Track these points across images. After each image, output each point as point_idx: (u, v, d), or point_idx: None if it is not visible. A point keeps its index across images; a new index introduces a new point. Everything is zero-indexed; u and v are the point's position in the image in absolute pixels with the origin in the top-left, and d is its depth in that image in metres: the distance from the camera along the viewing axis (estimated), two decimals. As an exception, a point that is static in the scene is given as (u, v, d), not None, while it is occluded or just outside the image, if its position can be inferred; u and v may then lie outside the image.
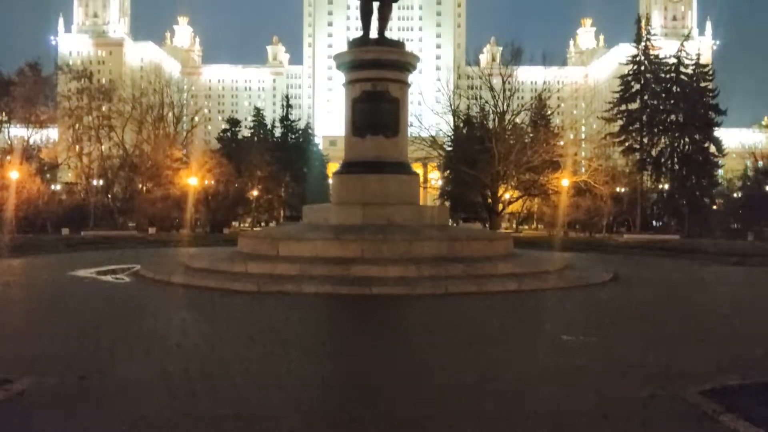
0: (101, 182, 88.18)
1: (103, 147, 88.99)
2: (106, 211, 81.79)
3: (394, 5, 25.40)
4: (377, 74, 23.58)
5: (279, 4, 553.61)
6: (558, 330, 12.56)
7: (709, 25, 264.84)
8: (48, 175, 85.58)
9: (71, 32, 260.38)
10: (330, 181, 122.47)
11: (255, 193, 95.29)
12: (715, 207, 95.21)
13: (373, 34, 24.64)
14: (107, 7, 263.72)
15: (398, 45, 25.85)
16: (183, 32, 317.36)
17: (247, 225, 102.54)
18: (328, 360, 10.02)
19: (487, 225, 77.58)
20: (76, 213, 75.76)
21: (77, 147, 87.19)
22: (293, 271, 18.74)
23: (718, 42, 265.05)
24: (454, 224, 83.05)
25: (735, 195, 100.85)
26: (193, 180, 76.97)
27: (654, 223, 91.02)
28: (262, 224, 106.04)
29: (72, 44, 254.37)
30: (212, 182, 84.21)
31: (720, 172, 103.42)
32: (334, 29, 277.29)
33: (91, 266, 24.13)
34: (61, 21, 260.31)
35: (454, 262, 19.60)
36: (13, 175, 64.34)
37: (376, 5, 24.31)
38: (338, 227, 21.79)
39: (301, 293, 16.84)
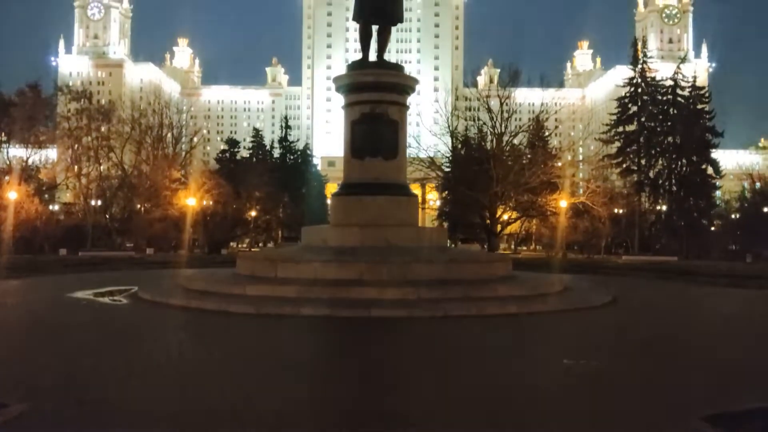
0: (99, 202, 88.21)
1: (101, 167, 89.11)
2: (103, 232, 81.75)
3: (393, 28, 25.55)
4: (376, 97, 23.63)
5: (278, 27, 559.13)
6: (559, 353, 12.50)
7: (705, 47, 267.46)
8: (46, 196, 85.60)
9: (72, 53, 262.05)
10: (328, 201, 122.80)
11: (253, 213, 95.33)
12: (713, 228, 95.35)
13: (372, 57, 24.73)
14: (108, 29, 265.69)
15: (397, 68, 25.97)
16: (183, 54, 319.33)
17: (245, 246, 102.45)
18: (326, 387, 9.94)
19: (485, 246, 77.53)
20: (74, 233, 75.68)
21: (76, 167, 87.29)
22: (291, 293, 18.66)
23: (713, 64, 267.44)
24: (453, 245, 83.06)
25: (733, 216, 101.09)
26: (191, 201, 77.03)
27: (654, 244, 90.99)
28: (260, 245, 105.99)
29: (72, 65, 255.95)
30: (210, 203, 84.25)
31: (718, 193, 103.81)
32: (333, 51, 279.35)
33: (89, 288, 24.02)
34: (61, 42, 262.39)
35: (453, 285, 19.54)
36: (12, 195, 64.35)
37: (375, 29, 24.46)
38: (337, 249, 21.74)
39: (299, 315, 16.75)
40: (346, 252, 21.19)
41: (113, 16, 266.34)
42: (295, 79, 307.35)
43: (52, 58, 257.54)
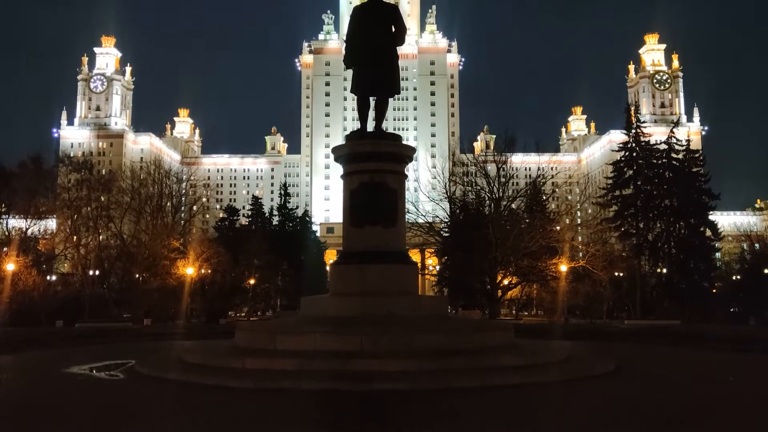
0: (97, 272, 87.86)
1: (100, 237, 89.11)
2: (101, 302, 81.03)
3: (390, 98, 25.94)
4: (375, 166, 23.83)
5: (278, 96, 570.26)
6: (564, 427, 12.19)
7: (696, 111, 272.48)
8: (44, 266, 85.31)
9: (74, 125, 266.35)
10: (327, 268, 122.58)
11: (252, 281, 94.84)
12: (714, 291, 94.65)
13: (371, 127, 25.12)
14: (110, 101, 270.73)
15: (395, 138, 26.23)
16: (183, 124, 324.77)
17: (243, 315, 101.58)
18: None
19: (486, 311, 76.85)
20: (71, 304, 74.99)
21: (75, 237, 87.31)
22: (291, 366, 18.34)
23: (706, 128, 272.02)
24: (454, 311, 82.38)
25: (734, 278, 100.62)
26: (190, 270, 76.75)
27: (656, 307, 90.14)
28: (259, 314, 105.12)
29: (74, 136, 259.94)
30: (209, 271, 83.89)
31: (717, 255, 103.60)
32: (331, 120, 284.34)
33: (85, 362, 23.63)
34: (64, 114, 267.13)
35: (455, 355, 19.26)
36: (10, 267, 64.10)
37: (372, 100, 24.91)
38: (337, 319, 21.53)
39: (299, 390, 16.43)
40: (345, 322, 20.98)
41: (115, 89, 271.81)
42: (294, 147, 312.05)
43: (55, 130, 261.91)
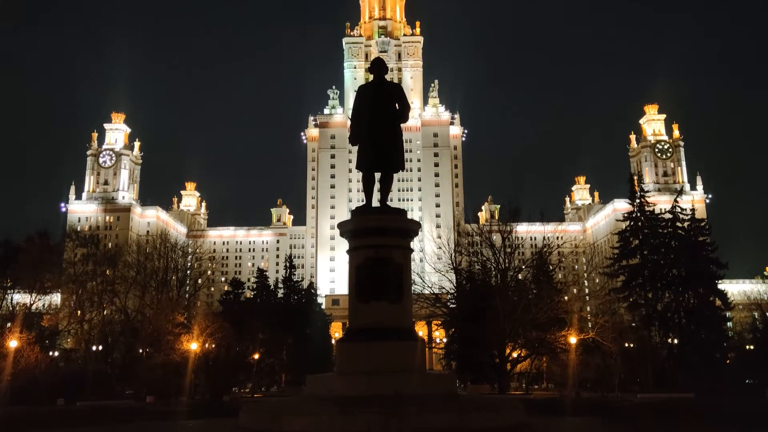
0: (100, 348, 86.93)
1: (105, 312, 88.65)
2: (103, 379, 79.83)
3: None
4: (380, 241, 23.80)
5: (283, 169, 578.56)
6: None
7: (699, 179, 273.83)
8: (47, 342, 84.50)
9: (82, 199, 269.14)
10: (333, 341, 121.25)
11: (256, 356, 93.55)
12: (728, 361, 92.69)
13: (376, 201, 25.23)
14: (118, 175, 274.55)
15: (400, 213, 26.25)
16: (190, 197, 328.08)
17: (247, 390, 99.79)
18: None
19: (496, 386, 75.27)
20: (73, 381, 73.85)
21: (79, 313, 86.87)
22: (296, 449, 17.83)
23: (710, 196, 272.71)
24: (462, 386, 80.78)
25: (747, 347, 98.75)
26: (194, 345, 75.86)
27: (668, 379, 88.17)
28: (263, 390, 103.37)
29: (82, 210, 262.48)
30: (213, 346, 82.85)
31: (729, 324, 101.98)
32: (336, 191, 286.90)
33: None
34: (72, 189, 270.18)
35: (465, 436, 18.69)
36: (12, 344, 63.50)
37: (377, 176, 25.09)
38: (343, 399, 20.99)
39: (304, 476, 15.89)
40: (352, 402, 20.44)
41: (123, 163, 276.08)
42: (299, 219, 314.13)
43: (63, 204, 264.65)
